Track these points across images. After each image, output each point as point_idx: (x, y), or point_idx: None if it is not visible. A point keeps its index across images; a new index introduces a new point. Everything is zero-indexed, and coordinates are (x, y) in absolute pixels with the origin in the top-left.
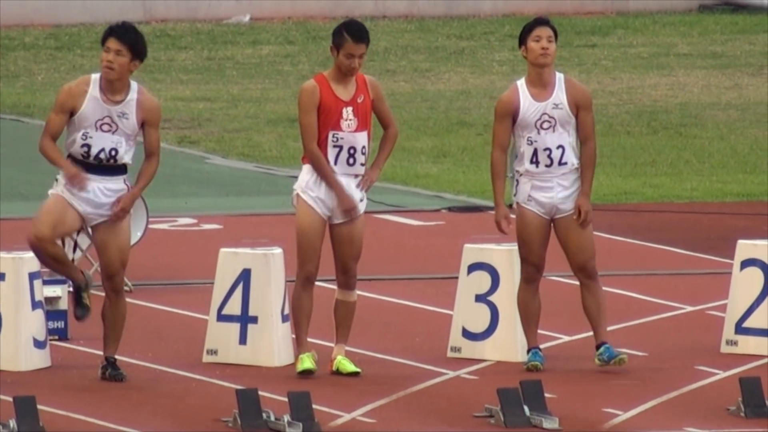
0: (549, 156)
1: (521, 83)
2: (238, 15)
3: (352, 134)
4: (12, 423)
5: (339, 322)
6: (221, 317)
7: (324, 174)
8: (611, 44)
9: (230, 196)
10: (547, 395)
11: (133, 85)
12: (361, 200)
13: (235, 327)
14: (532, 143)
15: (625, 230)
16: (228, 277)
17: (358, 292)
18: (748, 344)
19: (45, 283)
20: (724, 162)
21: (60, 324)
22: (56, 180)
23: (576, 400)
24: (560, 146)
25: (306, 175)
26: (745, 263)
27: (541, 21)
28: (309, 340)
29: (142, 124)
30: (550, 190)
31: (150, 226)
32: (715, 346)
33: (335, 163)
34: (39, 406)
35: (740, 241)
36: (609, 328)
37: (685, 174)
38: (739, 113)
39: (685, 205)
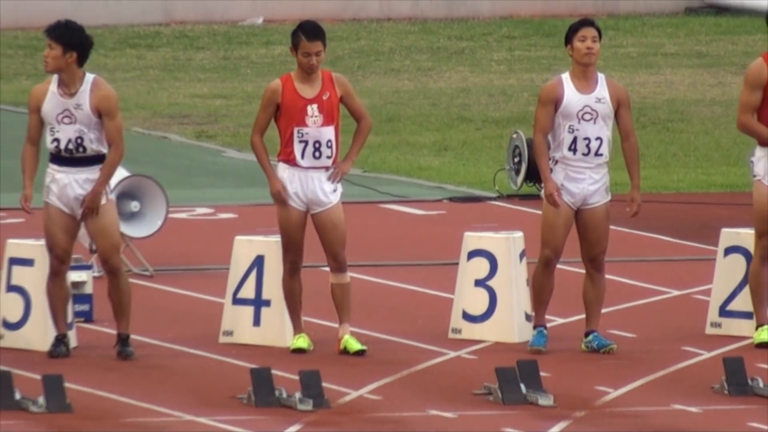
0: (587, 145)
1: (566, 76)
2: (252, 17)
3: (317, 129)
4: (41, 399)
5: (338, 304)
6: (236, 300)
7: (261, 164)
8: (602, 44)
9: (245, 188)
10: (542, 374)
11: (88, 77)
12: (334, 191)
13: (250, 310)
14: (573, 131)
15: (616, 219)
16: (243, 263)
17: (365, 278)
18: (731, 326)
19: (71, 268)
20: (709, 155)
21: (85, 307)
22: (47, 187)
23: (570, 379)
24: (599, 138)
25: (281, 171)
26: (729, 250)
27: (586, 22)
28: (314, 321)
29: (99, 115)
30: (582, 182)
31: (169, 215)
32: (700, 328)
33: (302, 157)
34: (66, 384)
35: (724, 230)
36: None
37: (672, 166)
38: (723, 109)
39: (672, 196)
